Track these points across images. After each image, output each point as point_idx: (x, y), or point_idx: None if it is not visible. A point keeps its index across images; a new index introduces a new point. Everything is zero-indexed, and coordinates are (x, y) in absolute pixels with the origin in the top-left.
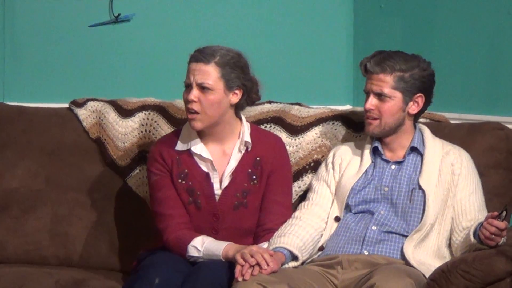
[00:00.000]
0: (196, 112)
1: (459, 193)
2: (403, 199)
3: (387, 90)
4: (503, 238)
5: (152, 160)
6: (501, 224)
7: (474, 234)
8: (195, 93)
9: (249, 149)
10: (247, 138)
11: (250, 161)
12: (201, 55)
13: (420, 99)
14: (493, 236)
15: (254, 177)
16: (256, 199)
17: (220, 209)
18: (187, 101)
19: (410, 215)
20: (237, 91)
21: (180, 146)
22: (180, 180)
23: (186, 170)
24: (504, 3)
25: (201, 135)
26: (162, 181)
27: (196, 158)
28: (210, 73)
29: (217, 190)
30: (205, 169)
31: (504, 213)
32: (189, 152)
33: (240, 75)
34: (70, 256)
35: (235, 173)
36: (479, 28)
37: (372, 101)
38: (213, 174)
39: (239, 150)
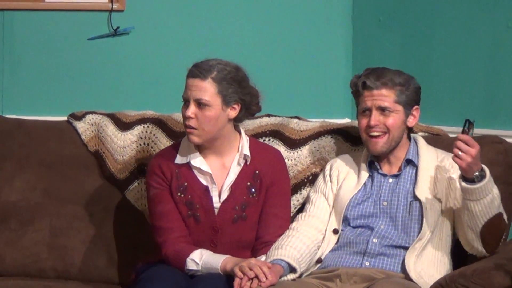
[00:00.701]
0: (193, 128)
1: (458, 193)
2: (403, 212)
3: (390, 104)
4: (476, 166)
5: (151, 174)
6: (465, 137)
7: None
8: (192, 110)
9: (248, 162)
10: (246, 151)
11: (249, 174)
12: (197, 71)
13: (416, 111)
14: (460, 153)
15: (253, 190)
16: (255, 212)
17: (219, 222)
18: (185, 117)
19: (410, 226)
20: (235, 106)
21: (179, 160)
22: (179, 194)
23: (186, 184)
24: (502, 16)
25: (200, 148)
26: (161, 194)
27: (195, 172)
28: (207, 89)
29: (216, 204)
30: (204, 182)
31: (468, 125)
32: (188, 165)
33: (237, 89)
34: (68, 269)
35: (234, 186)
36: (477, 42)
37: (376, 116)
38: (212, 187)
39: (238, 163)
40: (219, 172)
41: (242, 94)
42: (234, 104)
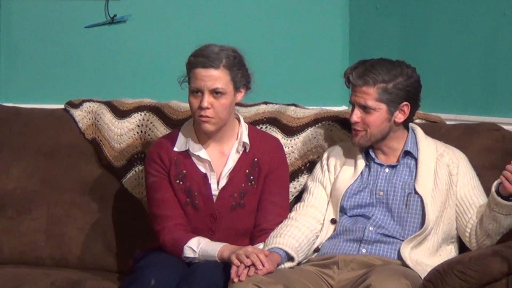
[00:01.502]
0: (210, 117)
1: (461, 190)
2: (399, 204)
3: (371, 103)
4: None
5: (150, 161)
6: None
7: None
8: (208, 100)
9: (247, 150)
10: (245, 139)
11: (248, 162)
12: (208, 61)
13: (406, 107)
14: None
15: (251, 177)
16: (253, 200)
17: (217, 209)
18: (198, 108)
19: (406, 219)
20: (242, 90)
21: (178, 147)
22: (178, 181)
23: (184, 171)
24: (499, 3)
25: (200, 136)
26: (160, 182)
27: (194, 159)
28: (221, 78)
29: (215, 191)
30: (203, 170)
31: None
32: (187, 153)
33: (244, 73)
34: (66, 256)
35: (232, 174)
36: (474, 29)
37: (357, 114)
38: (210, 174)
39: (237, 151)
40: (218, 160)
41: (246, 77)
42: (242, 88)
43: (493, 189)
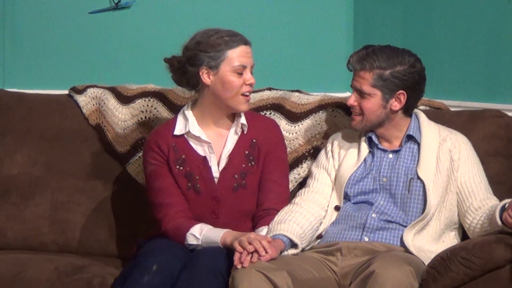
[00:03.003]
0: (250, 93)
1: (462, 177)
2: (402, 189)
3: (366, 88)
4: None
5: (148, 150)
6: None
7: (500, 217)
8: (251, 76)
9: (245, 132)
10: (243, 120)
11: (247, 143)
12: (245, 38)
13: (402, 96)
14: None
15: (251, 158)
16: (254, 180)
17: (219, 191)
18: (246, 84)
19: (409, 205)
20: None
21: (177, 131)
22: (178, 166)
23: (183, 156)
24: None
25: (199, 119)
26: (159, 170)
27: (192, 143)
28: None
29: (215, 173)
30: (201, 153)
31: None
32: (184, 138)
33: None
34: (69, 242)
35: (232, 155)
36: (479, 16)
37: (353, 97)
38: (211, 156)
39: (235, 133)
40: (217, 142)
41: None
42: None
43: (497, 214)
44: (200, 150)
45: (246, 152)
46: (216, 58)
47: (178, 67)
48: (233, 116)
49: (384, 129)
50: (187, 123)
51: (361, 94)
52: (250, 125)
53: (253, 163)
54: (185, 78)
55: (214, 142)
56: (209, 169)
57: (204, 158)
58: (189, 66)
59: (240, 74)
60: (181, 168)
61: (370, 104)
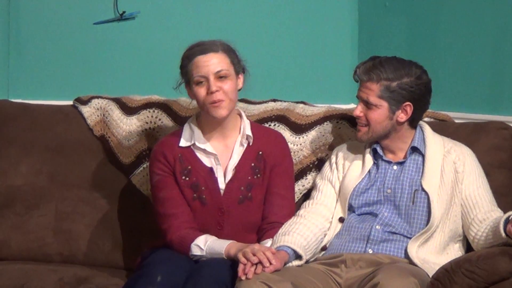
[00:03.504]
0: (221, 100)
1: (466, 189)
2: (406, 201)
3: (372, 99)
4: None
5: (154, 160)
6: None
7: (504, 229)
8: (216, 84)
9: (250, 144)
10: (248, 132)
11: (253, 155)
12: (205, 47)
13: (408, 108)
14: None
15: (257, 170)
16: (260, 193)
17: (225, 203)
18: (207, 94)
19: (413, 217)
20: (241, 75)
21: (183, 143)
22: (183, 177)
23: (189, 167)
24: (509, 1)
25: (204, 130)
26: (165, 181)
27: (198, 154)
28: (222, 60)
29: (222, 184)
30: (208, 164)
31: None
32: (191, 149)
33: (239, 58)
34: (73, 253)
35: (238, 167)
36: (484, 27)
37: (360, 108)
38: (217, 168)
39: (241, 144)
40: (223, 154)
41: (241, 63)
42: (240, 73)
43: (501, 226)
44: (206, 161)
45: (252, 164)
46: (185, 74)
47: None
48: (239, 128)
49: (389, 140)
50: (193, 135)
51: (367, 105)
52: (256, 137)
53: (259, 175)
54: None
55: (220, 154)
56: (215, 180)
57: (211, 169)
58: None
59: (203, 85)
60: (187, 178)
61: (376, 115)
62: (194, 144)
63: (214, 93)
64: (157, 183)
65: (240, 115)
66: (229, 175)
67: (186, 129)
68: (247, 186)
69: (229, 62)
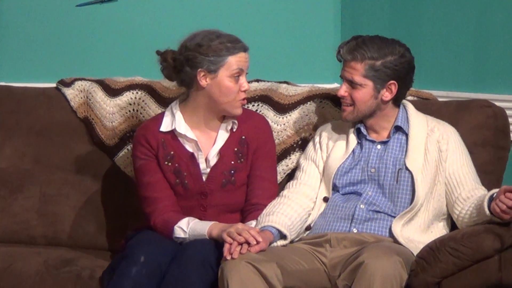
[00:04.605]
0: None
1: (450, 167)
2: (390, 180)
3: (357, 78)
4: None
5: (137, 145)
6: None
7: (488, 207)
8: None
9: (234, 130)
10: (234, 118)
11: (236, 140)
12: (243, 45)
13: (393, 86)
14: (509, 209)
15: (240, 155)
16: (243, 176)
17: (208, 187)
18: (243, 91)
19: (397, 196)
20: None
21: (164, 127)
22: (166, 162)
23: (172, 152)
24: None
25: (187, 116)
26: (148, 165)
27: (180, 140)
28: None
29: (204, 170)
30: (190, 149)
31: None
32: (173, 133)
33: None
34: (58, 235)
35: (222, 152)
36: (466, 5)
37: (344, 88)
38: (198, 154)
39: (226, 130)
40: (205, 139)
41: None
42: None
43: (485, 204)
44: (188, 146)
45: (236, 149)
46: (216, 63)
47: (174, 64)
48: (223, 116)
49: (374, 119)
50: (174, 121)
51: (352, 84)
52: (239, 122)
53: (242, 160)
54: (180, 76)
55: (202, 140)
56: (197, 166)
57: (192, 154)
58: (187, 66)
59: (237, 78)
60: (170, 164)
61: (361, 94)
62: (175, 130)
63: (246, 90)
64: (140, 167)
65: None
66: (214, 160)
67: (167, 114)
68: (230, 170)
69: None
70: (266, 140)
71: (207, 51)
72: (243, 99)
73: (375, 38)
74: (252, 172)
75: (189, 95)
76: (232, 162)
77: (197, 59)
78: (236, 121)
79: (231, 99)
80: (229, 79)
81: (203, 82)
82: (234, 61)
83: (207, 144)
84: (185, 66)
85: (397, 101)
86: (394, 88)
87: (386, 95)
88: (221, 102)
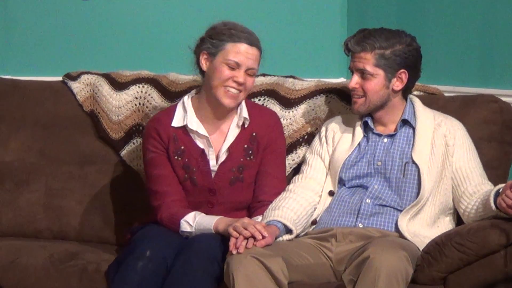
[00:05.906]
0: (239, 91)
1: (457, 162)
2: (396, 173)
3: (369, 68)
4: None
5: (148, 137)
6: None
7: (494, 202)
8: (244, 76)
9: (245, 125)
10: (245, 114)
11: (247, 137)
12: (254, 39)
13: (403, 75)
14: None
15: (250, 152)
16: (252, 174)
17: (216, 184)
18: (232, 80)
19: (403, 189)
20: None
21: (176, 123)
22: (176, 157)
23: (183, 147)
24: None
25: (198, 111)
26: (158, 158)
27: (192, 135)
28: (258, 59)
29: (213, 167)
30: (201, 145)
31: None
32: (185, 128)
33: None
34: (64, 229)
35: (231, 149)
36: (473, 1)
37: (356, 79)
38: (209, 150)
39: (237, 126)
40: (217, 135)
41: None
42: None
43: (491, 199)
44: (199, 142)
45: (245, 146)
46: (216, 46)
47: (194, 50)
48: (235, 110)
49: (383, 112)
50: (186, 116)
51: (363, 75)
52: (251, 118)
53: (252, 157)
54: (195, 61)
55: (214, 136)
56: (207, 162)
57: (203, 151)
58: (196, 48)
59: (232, 69)
60: (180, 159)
61: (373, 84)
62: (186, 125)
63: (240, 84)
64: (150, 160)
65: None
66: (223, 157)
67: (179, 108)
68: (239, 167)
69: (259, 63)
70: (277, 137)
71: (211, 32)
72: (231, 89)
73: (380, 29)
74: (261, 169)
75: (201, 86)
76: (241, 159)
77: (204, 40)
78: (247, 117)
79: (217, 84)
80: (223, 65)
81: (204, 64)
82: (231, 49)
83: (218, 140)
84: (195, 48)
85: (405, 92)
86: (404, 77)
87: (397, 84)
88: (212, 86)
